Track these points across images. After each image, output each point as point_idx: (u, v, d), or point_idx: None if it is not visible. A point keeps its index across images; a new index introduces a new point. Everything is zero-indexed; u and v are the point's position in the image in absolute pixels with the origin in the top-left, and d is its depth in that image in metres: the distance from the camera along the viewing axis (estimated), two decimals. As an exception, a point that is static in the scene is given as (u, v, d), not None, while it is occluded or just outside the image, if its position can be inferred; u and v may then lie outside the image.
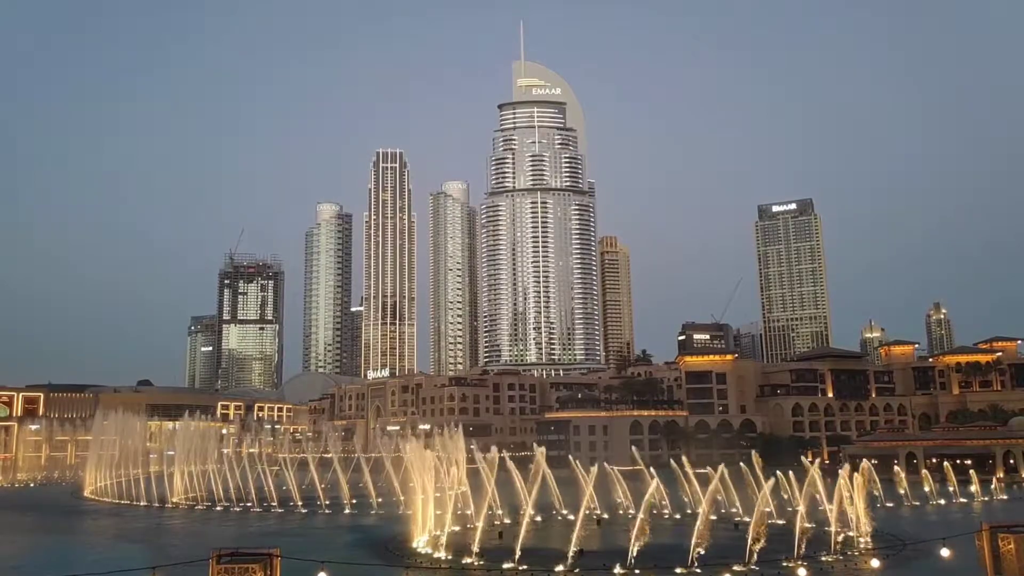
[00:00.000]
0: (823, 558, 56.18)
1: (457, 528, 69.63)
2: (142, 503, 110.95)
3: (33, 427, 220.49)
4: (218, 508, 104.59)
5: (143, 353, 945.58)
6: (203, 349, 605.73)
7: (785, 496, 79.35)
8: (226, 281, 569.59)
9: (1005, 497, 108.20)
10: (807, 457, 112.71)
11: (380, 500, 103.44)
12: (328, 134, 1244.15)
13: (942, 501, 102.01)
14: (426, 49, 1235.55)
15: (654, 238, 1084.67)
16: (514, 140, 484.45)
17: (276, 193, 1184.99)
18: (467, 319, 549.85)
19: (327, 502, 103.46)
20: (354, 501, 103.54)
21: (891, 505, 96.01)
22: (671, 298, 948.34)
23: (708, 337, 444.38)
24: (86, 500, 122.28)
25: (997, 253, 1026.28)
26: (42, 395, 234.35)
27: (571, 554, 52.30)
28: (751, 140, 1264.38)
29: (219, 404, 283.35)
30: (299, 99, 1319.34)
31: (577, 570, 51.56)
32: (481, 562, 56.52)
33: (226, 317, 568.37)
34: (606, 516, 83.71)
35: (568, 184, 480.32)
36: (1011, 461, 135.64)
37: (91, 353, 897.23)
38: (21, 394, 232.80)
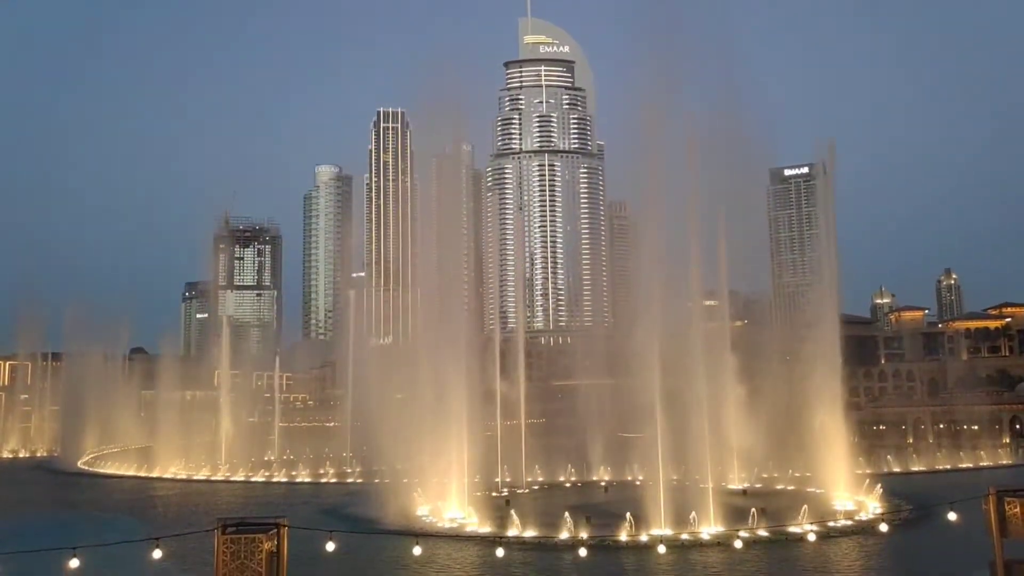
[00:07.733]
0: (830, 523, 55.79)
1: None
2: (142, 474, 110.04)
3: (23, 396, 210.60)
4: (218, 478, 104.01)
5: (135, 320, 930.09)
6: (198, 316, 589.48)
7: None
8: (221, 245, 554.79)
9: (1010, 462, 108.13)
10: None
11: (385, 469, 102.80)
12: (327, 92, 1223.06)
13: (948, 466, 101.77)
14: (427, 5, 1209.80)
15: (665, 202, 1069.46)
16: (520, 100, 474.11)
17: (272, 153, 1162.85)
18: (472, 284, 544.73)
19: (332, 471, 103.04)
20: (358, 470, 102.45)
21: (899, 470, 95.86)
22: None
23: (717, 303, 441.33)
24: (80, 472, 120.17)
25: (1007, 218, 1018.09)
26: (30, 364, 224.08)
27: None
28: (765, 101, 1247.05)
29: (216, 373, 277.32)
30: (297, 57, 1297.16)
31: (584, 535, 51.33)
32: (488, 530, 56.22)
33: (222, 283, 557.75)
34: (614, 483, 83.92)
35: (577, 146, 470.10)
36: (1017, 426, 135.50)
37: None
38: (8, 363, 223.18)
